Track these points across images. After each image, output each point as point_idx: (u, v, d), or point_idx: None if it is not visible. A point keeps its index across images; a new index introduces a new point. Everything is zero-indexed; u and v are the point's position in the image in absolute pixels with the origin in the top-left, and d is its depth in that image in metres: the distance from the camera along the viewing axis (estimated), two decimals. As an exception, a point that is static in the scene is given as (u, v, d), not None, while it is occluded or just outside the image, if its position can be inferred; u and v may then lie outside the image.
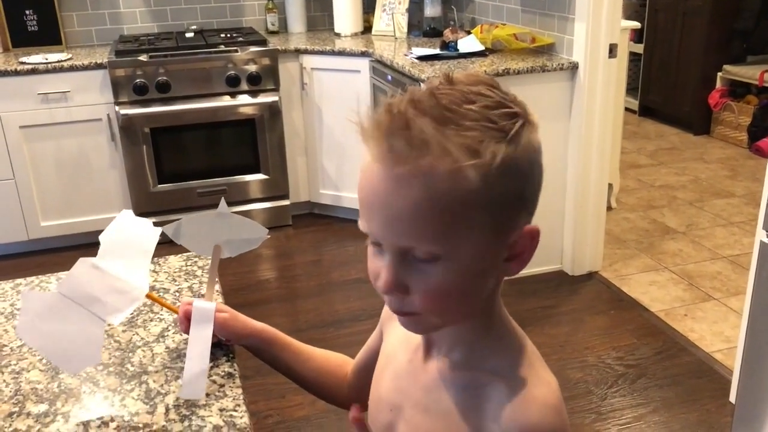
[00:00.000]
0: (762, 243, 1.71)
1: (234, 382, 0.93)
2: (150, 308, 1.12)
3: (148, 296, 0.96)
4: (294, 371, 1.01)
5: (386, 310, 0.91)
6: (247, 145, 3.48)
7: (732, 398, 2.19)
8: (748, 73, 4.68)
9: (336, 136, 3.53)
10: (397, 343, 0.83)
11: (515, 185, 0.65)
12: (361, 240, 3.38)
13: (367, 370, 0.96)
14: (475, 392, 0.71)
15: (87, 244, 3.29)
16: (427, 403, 0.75)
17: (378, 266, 0.69)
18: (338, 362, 1.02)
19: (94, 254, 0.91)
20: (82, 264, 0.89)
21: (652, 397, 2.28)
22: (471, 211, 0.63)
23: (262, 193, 3.56)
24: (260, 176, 3.53)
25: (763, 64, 4.68)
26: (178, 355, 0.99)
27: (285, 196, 3.60)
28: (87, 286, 0.88)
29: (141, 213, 3.40)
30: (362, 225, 0.68)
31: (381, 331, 0.92)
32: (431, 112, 0.63)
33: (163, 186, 3.42)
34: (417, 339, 0.78)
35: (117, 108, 3.24)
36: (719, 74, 4.86)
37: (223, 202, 0.99)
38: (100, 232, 0.95)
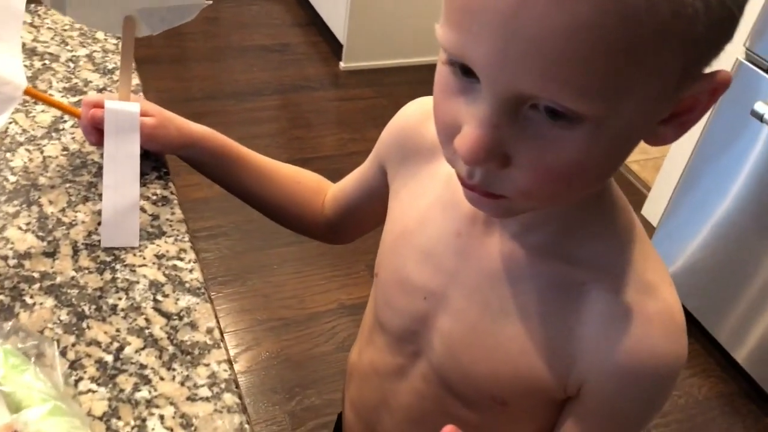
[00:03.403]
0: (738, 61, 1.55)
1: (173, 213, 0.65)
2: (34, 86, 0.77)
3: (27, 93, 0.63)
4: (251, 193, 0.73)
5: (392, 141, 0.63)
6: None
7: (644, 211, 2.18)
8: None
9: None
10: (430, 202, 0.57)
11: (738, 8, 0.38)
12: (268, 1, 2.78)
13: (351, 209, 0.71)
14: (568, 291, 0.49)
15: None
16: (490, 296, 0.52)
17: (459, 112, 0.41)
18: (312, 186, 0.75)
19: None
20: None
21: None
22: (665, 49, 0.36)
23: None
24: None
25: None
26: (84, 162, 0.69)
27: (174, -67, 2.98)
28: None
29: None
30: (446, 37, 0.39)
31: (382, 168, 0.65)
32: None
33: None
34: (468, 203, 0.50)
35: None
36: None
37: None
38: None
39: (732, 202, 1.60)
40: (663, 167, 2.08)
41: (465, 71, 0.40)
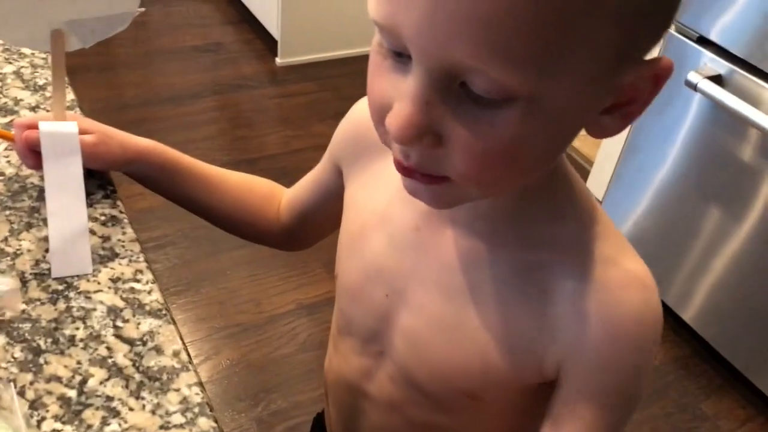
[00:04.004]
0: (668, 33, 1.59)
1: (124, 232, 0.63)
2: (-44, 107, 0.73)
3: None
4: (203, 205, 0.71)
5: (345, 138, 0.62)
6: None
7: (588, 185, 2.23)
8: None
9: None
10: (386, 198, 0.56)
11: None
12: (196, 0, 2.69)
13: (308, 213, 0.70)
14: (532, 275, 0.49)
15: None
16: (450, 289, 0.52)
17: (390, 90, 0.41)
18: (265, 193, 0.74)
19: None
20: None
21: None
22: (598, 18, 0.36)
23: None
24: None
25: None
26: (23, 187, 0.65)
27: (92, -65, 2.87)
28: None
29: None
30: (375, 7, 0.38)
31: (337, 168, 0.64)
32: None
33: None
34: None
35: None
36: None
37: None
38: None
39: (671, 170, 1.64)
40: (603, 142, 2.12)
41: (397, 54, 0.40)
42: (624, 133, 1.81)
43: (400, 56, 0.40)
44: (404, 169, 0.43)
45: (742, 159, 1.49)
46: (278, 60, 2.54)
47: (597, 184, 2.15)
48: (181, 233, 1.88)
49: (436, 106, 0.38)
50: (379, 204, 0.57)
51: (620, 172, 1.80)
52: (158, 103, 2.33)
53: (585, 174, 2.25)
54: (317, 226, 0.71)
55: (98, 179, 0.67)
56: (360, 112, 0.61)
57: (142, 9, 0.67)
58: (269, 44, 2.60)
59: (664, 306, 1.73)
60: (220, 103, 2.37)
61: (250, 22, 2.73)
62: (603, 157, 2.13)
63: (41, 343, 0.52)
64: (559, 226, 0.49)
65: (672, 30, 1.56)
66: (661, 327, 0.50)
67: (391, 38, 0.39)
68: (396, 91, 0.40)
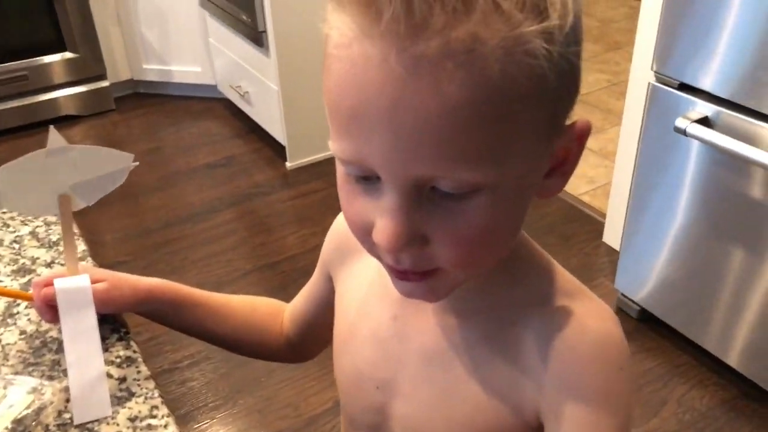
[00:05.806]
0: (651, 85, 1.64)
1: (139, 371, 0.67)
2: (-21, 274, 0.79)
3: None
4: (211, 332, 0.76)
5: (332, 247, 0.68)
6: (42, 16, 2.86)
7: (605, 239, 2.24)
8: None
9: (153, -1, 3.00)
10: (366, 294, 0.61)
11: (576, 58, 0.44)
12: (204, 118, 2.89)
13: (309, 324, 0.74)
14: (502, 334, 0.52)
15: None
16: (432, 371, 0.55)
17: (368, 210, 0.46)
18: (269, 311, 0.78)
19: None
20: None
21: (534, 249, 2.27)
22: (528, 107, 0.41)
23: (72, 75, 2.99)
24: (66, 55, 2.94)
25: None
26: (43, 342, 0.70)
27: (102, 77, 3.06)
28: None
29: None
30: (340, 147, 0.44)
31: (328, 275, 0.69)
32: None
33: (-60, 78, 2.76)
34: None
35: None
36: None
37: (53, 132, 0.67)
38: None
39: (683, 214, 1.65)
40: (611, 193, 2.15)
41: (363, 178, 0.45)
42: (627, 185, 1.83)
43: (368, 179, 0.45)
44: (399, 273, 0.47)
45: (751, 196, 1.49)
46: (288, 164, 2.64)
47: (613, 236, 2.16)
48: (214, 348, 1.90)
49: (414, 213, 0.43)
50: (360, 301, 0.61)
51: (633, 222, 1.82)
52: (179, 223, 2.42)
53: (600, 227, 2.26)
54: (319, 334, 0.75)
55: (111, 323, 0.72)
56: (343, 221, 0.66)
57: (137, 163, 0.74)
58: (278, 150, 2.71)
59: (703, 351, 1.68)
60: (238, 214, 2.45)
61: (257, 131, 2.85)
62: (614, 208, 2.14)
63: (67, 492, 0.55)
64: (522, 286, 0.53)
65: (653, 81, 1.61)
66: (627, 352, 0.51)
67: (358, 168, 0.44)
68: (374, 210, 0.45)
